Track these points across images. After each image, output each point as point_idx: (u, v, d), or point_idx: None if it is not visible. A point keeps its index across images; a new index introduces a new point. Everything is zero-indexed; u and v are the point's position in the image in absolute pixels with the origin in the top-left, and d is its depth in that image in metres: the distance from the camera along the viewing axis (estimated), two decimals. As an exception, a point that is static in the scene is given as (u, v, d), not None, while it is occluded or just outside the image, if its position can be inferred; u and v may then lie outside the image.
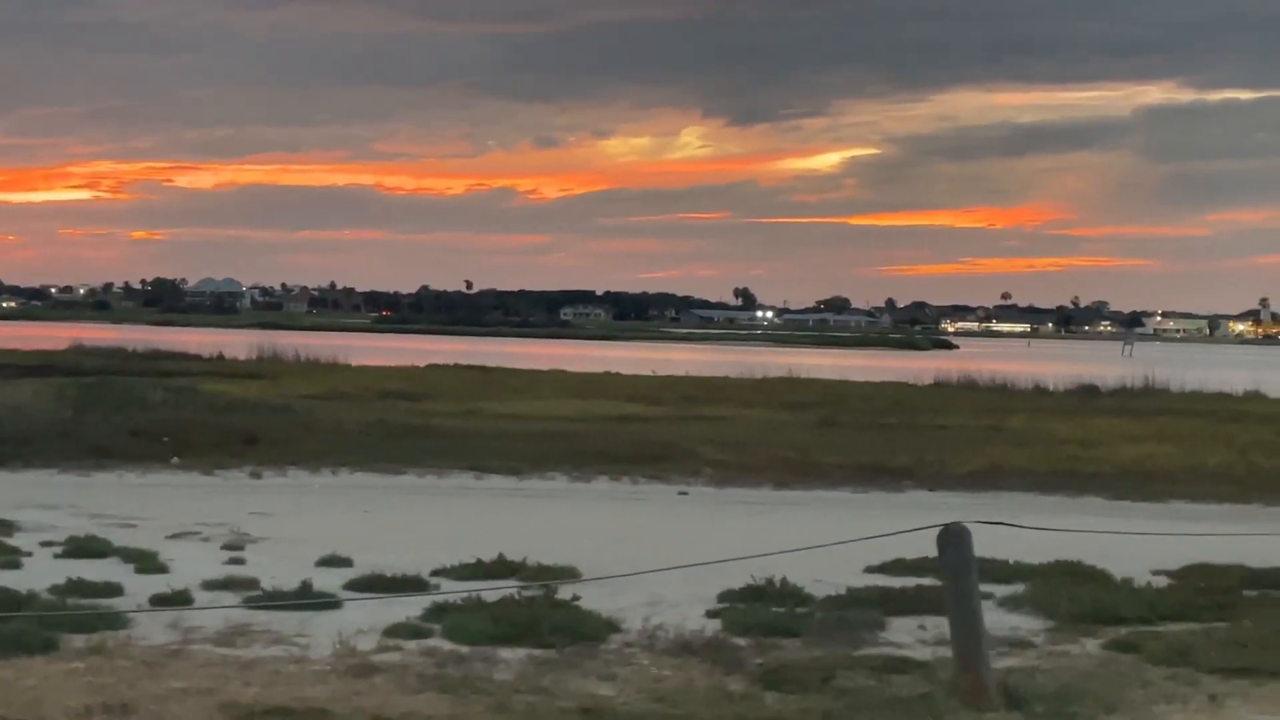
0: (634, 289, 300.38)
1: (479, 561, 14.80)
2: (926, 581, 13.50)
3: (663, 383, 50.09)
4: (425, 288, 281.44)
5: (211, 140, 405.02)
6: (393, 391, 42.05)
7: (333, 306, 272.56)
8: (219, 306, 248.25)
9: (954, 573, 9.70)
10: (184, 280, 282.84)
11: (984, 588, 10.96)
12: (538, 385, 47.20)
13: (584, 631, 11.69)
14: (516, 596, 12.50)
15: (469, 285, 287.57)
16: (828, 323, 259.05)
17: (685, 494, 22.83)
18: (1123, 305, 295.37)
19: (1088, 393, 53.69)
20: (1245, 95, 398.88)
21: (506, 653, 10.97)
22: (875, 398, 44.02)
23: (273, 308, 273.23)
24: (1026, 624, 12.47)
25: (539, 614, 11.91)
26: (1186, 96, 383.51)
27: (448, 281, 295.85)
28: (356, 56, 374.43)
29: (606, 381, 50.08)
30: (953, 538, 9.74)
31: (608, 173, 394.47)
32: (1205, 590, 13.90)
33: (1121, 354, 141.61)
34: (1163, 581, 14.61)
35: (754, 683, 10.19)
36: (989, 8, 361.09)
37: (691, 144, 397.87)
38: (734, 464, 25.70)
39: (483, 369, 56.71)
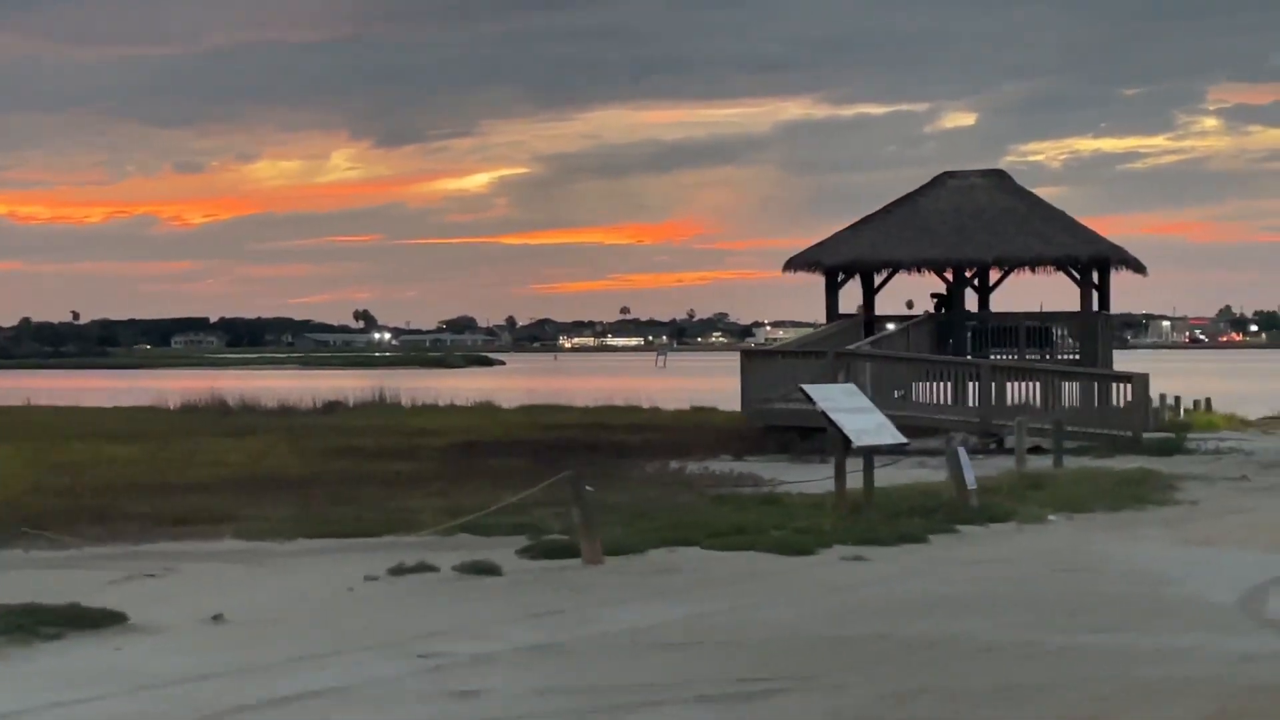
0: (284, 314, 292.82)
1: None
2: None
3: None
4: (26, 320, 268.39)
5: None
6: None
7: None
8: None
9: None
10: None
11: None
12: None
13: None
14: None
15: (76, 316, 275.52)
16: (445, 343, 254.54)
17: None
18: (746, 316, 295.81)
19: (331, 409, 49.37)
20: (876, 110, 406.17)
21: None
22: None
23: None
24: None
25: None
26: (822, 112, 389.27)
27: (61, 314, 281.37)
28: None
29: None
30: None
31: (255, 197, 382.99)
32: None
33: (655, 365, 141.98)
34: None
35: None
36: (632, 28, 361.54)
37: (340, 166, 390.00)
38: None
39: None
